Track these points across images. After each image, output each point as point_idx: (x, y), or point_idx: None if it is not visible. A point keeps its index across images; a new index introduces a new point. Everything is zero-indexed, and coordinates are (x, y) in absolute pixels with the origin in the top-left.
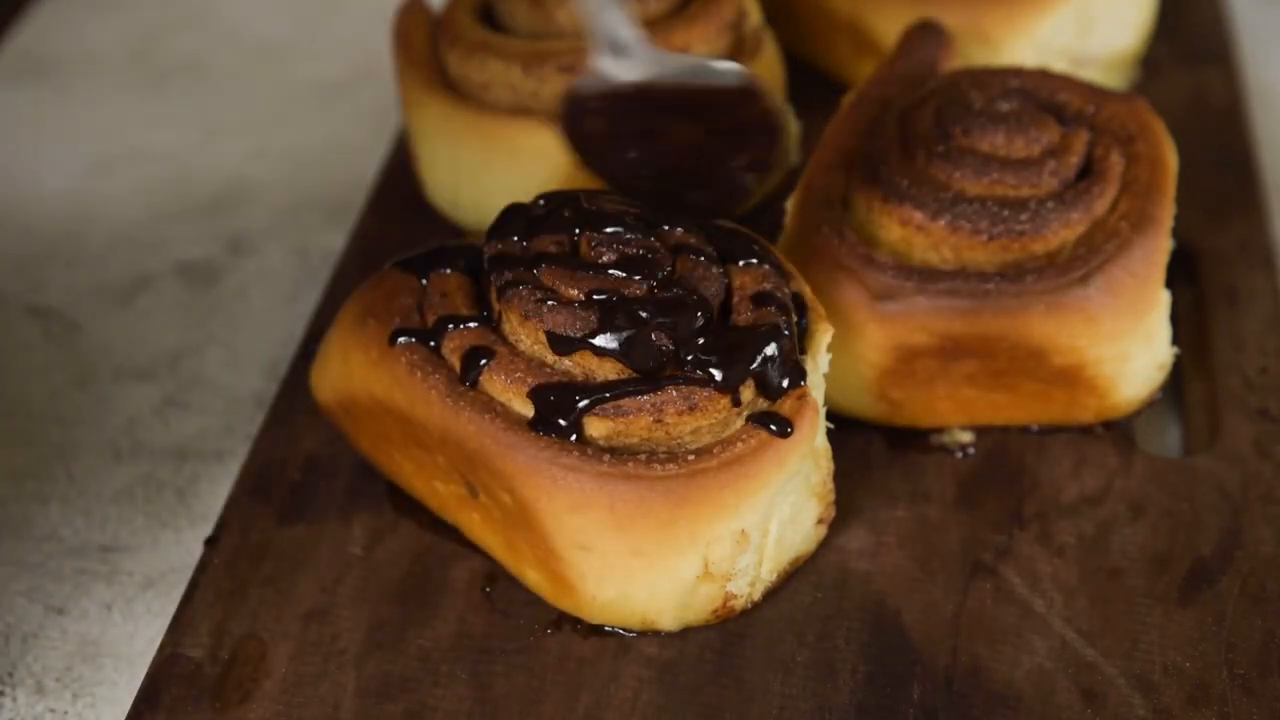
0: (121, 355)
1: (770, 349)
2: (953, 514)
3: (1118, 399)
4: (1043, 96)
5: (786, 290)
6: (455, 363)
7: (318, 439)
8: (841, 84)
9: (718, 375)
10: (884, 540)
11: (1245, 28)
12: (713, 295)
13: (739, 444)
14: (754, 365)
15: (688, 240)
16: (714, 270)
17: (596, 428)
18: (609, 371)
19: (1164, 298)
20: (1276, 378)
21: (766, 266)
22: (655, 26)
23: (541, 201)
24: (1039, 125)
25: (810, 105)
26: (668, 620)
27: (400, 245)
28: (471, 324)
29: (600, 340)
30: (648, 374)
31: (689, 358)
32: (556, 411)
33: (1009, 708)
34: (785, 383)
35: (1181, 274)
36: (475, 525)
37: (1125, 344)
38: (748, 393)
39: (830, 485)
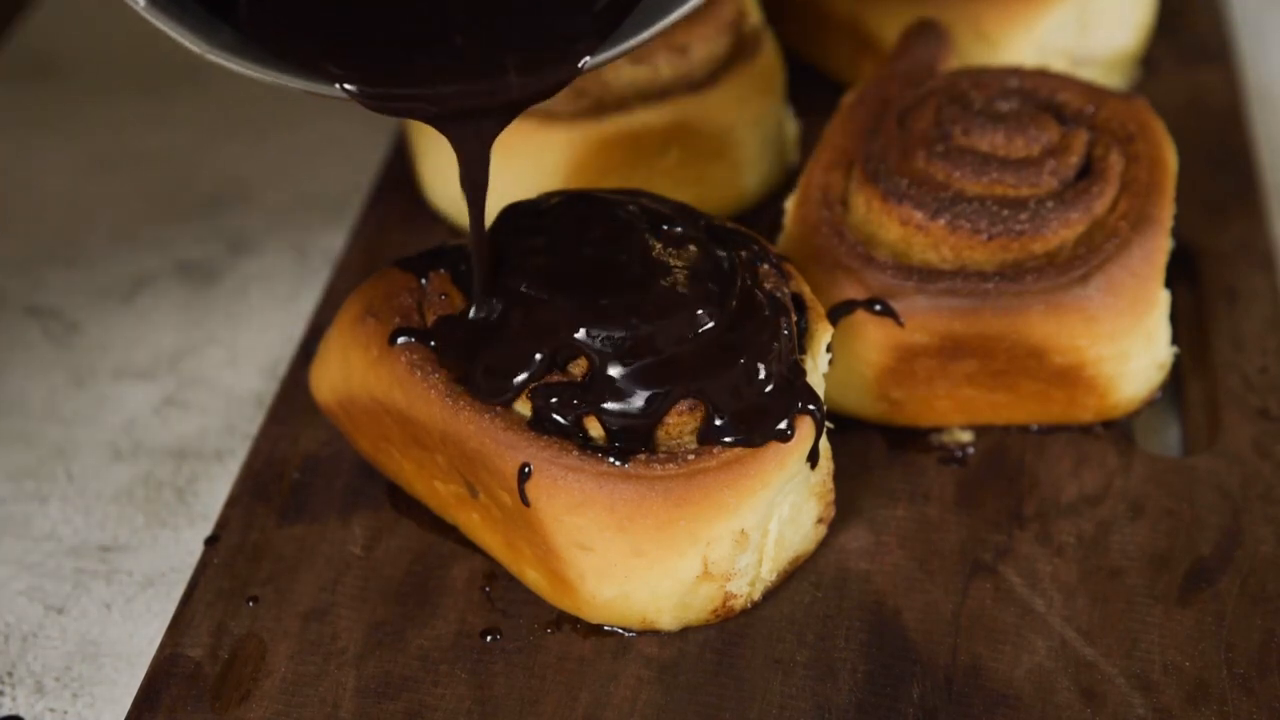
0: (121, 355)
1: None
2: (952, 514)
3: (1117, 398)
4: (1042, 96)
5: (786, 290)
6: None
7: (318, 439)
8: (841, 84)
9: (714, 378)
10: (884, 540)
11: (1245, 28)
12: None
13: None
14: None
15: None
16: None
17: (596, 428)
18: None
19: (1164, 297)
20: (1276, 378)
21: (766, 266)
22: None
23: (542, 200)
24: (1038, 125)
25: (810, 105)
26: (667, 620)
27: (400, 245)
28: None
29: (597, 346)
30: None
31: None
32: (556, 411)
33: (1009, 707)
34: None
35: (1181, 274)
36: (475, 525)
37: (1125, 343)
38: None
39: (830, 485)
